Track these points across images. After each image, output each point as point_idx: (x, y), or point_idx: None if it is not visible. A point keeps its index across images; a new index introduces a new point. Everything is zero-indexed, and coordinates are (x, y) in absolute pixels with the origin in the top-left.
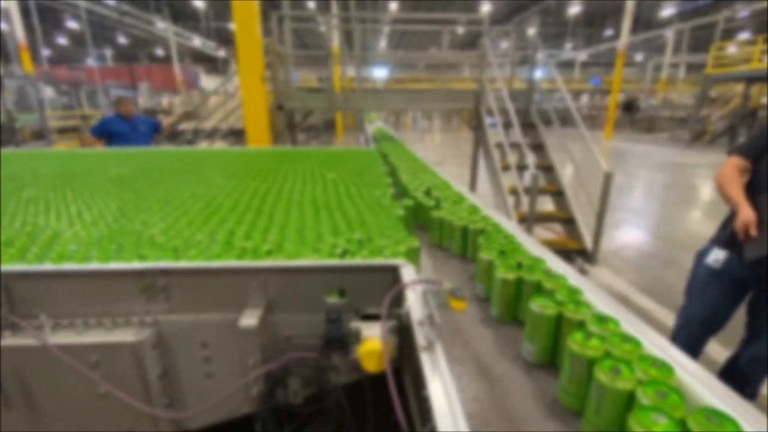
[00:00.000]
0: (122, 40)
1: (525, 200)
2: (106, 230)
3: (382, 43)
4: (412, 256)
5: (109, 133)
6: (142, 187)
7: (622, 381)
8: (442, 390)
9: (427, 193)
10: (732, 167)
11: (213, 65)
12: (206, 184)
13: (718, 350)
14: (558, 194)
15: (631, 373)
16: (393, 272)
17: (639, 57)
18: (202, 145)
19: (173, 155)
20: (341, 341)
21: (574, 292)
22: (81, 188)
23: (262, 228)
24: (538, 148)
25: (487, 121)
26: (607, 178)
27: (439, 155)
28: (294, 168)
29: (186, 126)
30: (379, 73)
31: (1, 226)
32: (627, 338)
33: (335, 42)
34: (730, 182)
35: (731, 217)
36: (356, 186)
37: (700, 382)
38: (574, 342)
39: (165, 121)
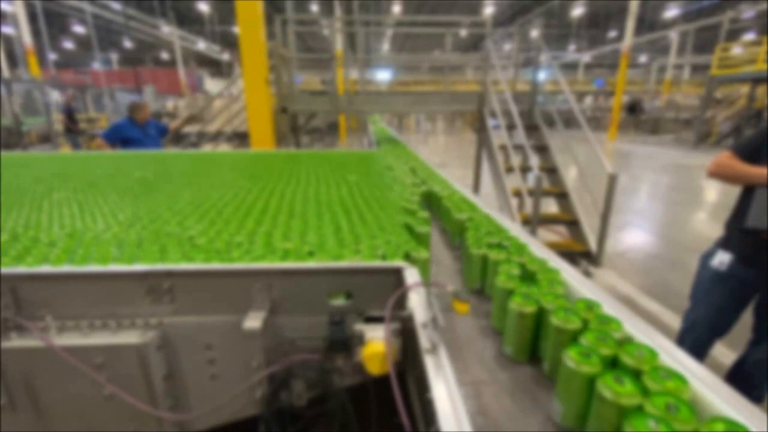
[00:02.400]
0: (128, 43)
1: (529, 202)
2: (144, 232)
3: (386, 46)
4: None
5: (122, 138)
6: (168, 189)
7: None
8: (446, 392)
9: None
10: (726, 156)
11: (217, 68)
12: (230, 186)
13: (725, 353)
14: (562, 196)
15: None
16: (396, 274)
17: (643, 58)
18: (206, 148)
19: (189, 158)
20: (345, 343)
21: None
22: (108, 190)
23: (297, 230)
24: (542, 149)
25: (491, 123)
26: (612, 180)
27: (442, 157)
28: (315, 170)
29: (190, 129)
30: (383, 76)
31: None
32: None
33: (338, 45)
34: (732, 162)
35: (733, 218)
36: (379, 189)
37: (708, 387)
38: None
39: (171, 124)
